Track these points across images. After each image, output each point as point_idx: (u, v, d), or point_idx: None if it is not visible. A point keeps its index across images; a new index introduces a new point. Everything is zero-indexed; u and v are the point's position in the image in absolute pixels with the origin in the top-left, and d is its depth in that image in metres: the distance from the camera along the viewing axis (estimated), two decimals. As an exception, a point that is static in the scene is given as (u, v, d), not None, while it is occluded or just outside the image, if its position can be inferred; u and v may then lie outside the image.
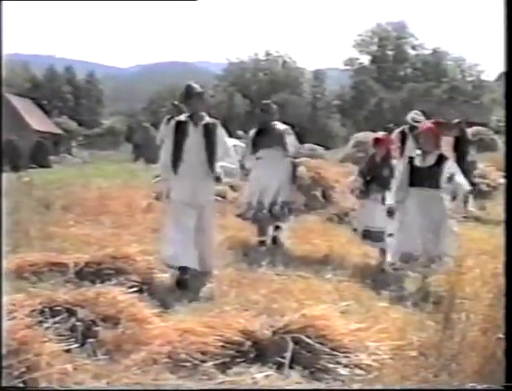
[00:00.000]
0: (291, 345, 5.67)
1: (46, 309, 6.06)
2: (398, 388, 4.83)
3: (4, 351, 4.95)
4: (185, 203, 8.60)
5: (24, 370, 4.87)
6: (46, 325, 5.67)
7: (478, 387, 4.38)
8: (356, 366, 5.61)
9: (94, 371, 5.28)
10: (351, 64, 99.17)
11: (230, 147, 9.20)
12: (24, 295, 6.50)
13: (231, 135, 11.22)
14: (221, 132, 8.92)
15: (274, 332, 5.87)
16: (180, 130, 8.74)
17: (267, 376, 5.37)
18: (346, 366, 5.63)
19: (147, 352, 5.61)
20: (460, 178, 8.76)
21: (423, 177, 8.78)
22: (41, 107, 72.75)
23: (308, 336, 5.78)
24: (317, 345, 5.76)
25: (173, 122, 8.99)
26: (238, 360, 5.64)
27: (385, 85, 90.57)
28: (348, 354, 5.76)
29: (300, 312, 6.16)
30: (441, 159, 8.82)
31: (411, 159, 9.02)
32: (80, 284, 7.27)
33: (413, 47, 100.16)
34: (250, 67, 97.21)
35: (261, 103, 12.14)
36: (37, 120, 66.18)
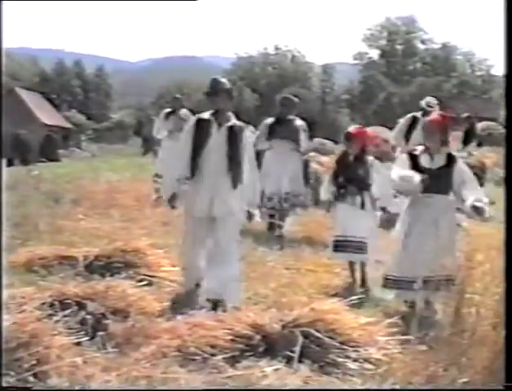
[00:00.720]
0: (300, 339, 5.68)
1: (56, 303, 6.10)
2: (397, 388, 4.84)
3: (14, 344, 4.97)
4: (200, 218, 7.45)
5: (34, 363, 4.89)
6: (55, 318, 5.67)
7: (479, 387, 4.37)
8: (366, 360, 5.62)
9: (104, 364, 5.28)
10: (360, 59, 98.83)
11: (253, 158, 7.75)
12: (34, 288, 6.55)
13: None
14: (246, 138, 7.64)
15: (283, 326, 5.87)
16: (201, 130, 7.46)
17: (276, 370, 5.37)
18: (355, 360, 5.63)
19: (156, 345, 5.62)
20: (475, 190, 7.34)
21: (431, 181, 7.19)
22: (50, 101, 72.70)
23: (317, 330, 5.78)
24: (326, 339, 5.76)
25: (193, 120, 7.75)
26: (247, 354, 5.64)
27: (394, 80, 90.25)
28: (358, 348, 5.76)
29: (309, 306, 6.16)
30: (451, 159, 7.44)
31: (413, 156, 7.51)
32: (89, 278, 7.30)
33: (423, 42, 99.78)
34: (259, 61, 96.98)
35: (281, 97, 12.55)
36: (46, 114, 66.18)
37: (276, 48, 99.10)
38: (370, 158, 8.82)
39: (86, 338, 5.65)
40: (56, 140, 51.08)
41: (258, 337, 5.78)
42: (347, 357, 5.66)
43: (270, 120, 12.01)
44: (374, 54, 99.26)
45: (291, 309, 6.21)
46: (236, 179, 7.39)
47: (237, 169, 7.40)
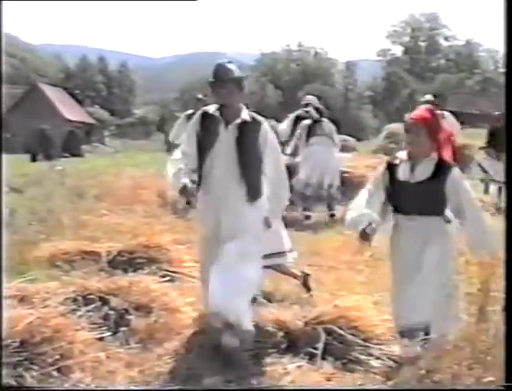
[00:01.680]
0: (323, 336, 5.67)
1: (79, 298, 6.12)
2: (398, 388, 4.82)
3: (38, 338, 5.00)
4: (209, 238, 5.96)
5: (57, 357, 4.91)
6: (79, 313, 5.73)
7: (479, 387, 4.34)
8: (388, 357, 5.60)
9: (127, 359, 5.31)
10: (384, 55, 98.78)
11: (279, 161, 6.17)
12: (58, 283, 6.56)
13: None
14: (265, 135, 5.94)
15: (306, 323, 5.87)
16: (206, 129, 5.94)
17: (299, 367, 5.37)
18: (378, 357, 5.62)
19: (179, 341, 5.63)
20: (474, 211, 5.60)
21: (414, 199, 5.56)
22: (73, 96, 73.05)
23: (340, 327, 5.78)
24: (349, 336, 5.75)
25: (197, 115, 6.08)
26: (270, 350, 5.64)
27: (417, 77, 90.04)
28: (380, 346, 5.75)
29: (332, 303, 6.16)
30: (441, 169, 5.56)
31: (390, 166, 5.74)
32: (112, 273, 7.31)
33: (446, 38, 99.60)
34: (282, 57, 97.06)
35: (315, 106, 13.88)
36: (69, 110, 66.49)
37: (299, 44, 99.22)
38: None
39: (109, 333, 5.68)
40: (79, 136, 51.22)
41: (280, 334, 5.78)
42: (370, 354, 5.66)
43: (306, 122, 13.58)
44: (397, 50, 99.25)
45: (314, 306, 6.21)
46: (251, 191, 5.85)
47: (252, 178, 5.86)
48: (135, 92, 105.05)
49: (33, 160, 35.31)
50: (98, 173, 18.29)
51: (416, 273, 5.48)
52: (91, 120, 70.71)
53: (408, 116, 5.75)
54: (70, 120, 62.14)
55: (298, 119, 14.11)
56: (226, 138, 5.83)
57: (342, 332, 5.75)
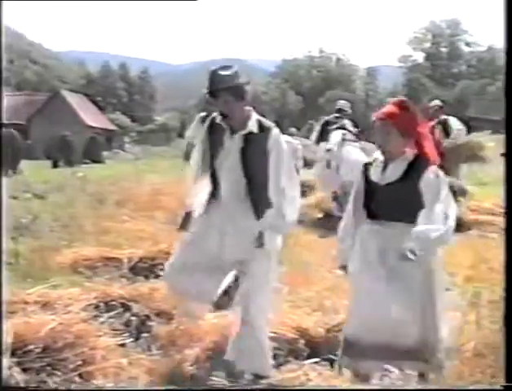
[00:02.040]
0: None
1: (101, 304, 6.15)
2: (398, 388, 4.78)
3: (60, 344, 5.01)
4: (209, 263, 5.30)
5: (79, 363, 4.92)
6: (101, 319, 5.73)
7: (479, 387, 4.31)
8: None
9: (149, 365, 5.31)
10: (405, 61, 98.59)
11: (292, 171, 5.40)
12: (80, 289, 6.59)
13: (283, 132, 11.22)
14: (274, 143, 5.22)
15: (328, 330, 5.85)
16: (213, 137, 5.43)
17: (320, 374, 5.35)
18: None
19: (200, 347, 5.63)
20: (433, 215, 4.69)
21: (382, 203, 4.96)
22: (95, 103, 73.46)
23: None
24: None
25: (207, 122, 5.59)
26: (291, 357, 5.63)
27: (438, 83, 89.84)
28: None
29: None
30: (414, 168, 4.89)
31: (366, 168, 5.17)
32: (134, 279, 7.34)
33: (467, 44, 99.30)
34: (304, 64, 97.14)
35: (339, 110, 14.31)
36: (90, 116, 66.85)
37: (321, 51, 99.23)
38: None
39: (131, 339, 5.69)
40: (100, 142, 51.46)
41: (302, 341, 5.77)
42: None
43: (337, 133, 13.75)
44: (419, 56, 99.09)
45: (335, 313, 6.19)
46: (259, 206, 5.18)
47: (260, 191, 5.20)
48: (156, 98, 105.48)
49: (55, 166, 35.55)
50: (119, 180, 18.36)
51: (374, 285, 4.83)
52: (112, 127, 71.06)
53: (374, 115, 5.17)
54: (91, 127, 62.47)
55: (327, 124, 14.16)
56: (231, 148, 5.25)
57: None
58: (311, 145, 15.25)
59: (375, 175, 5.00)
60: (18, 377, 4.65)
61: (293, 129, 24.72)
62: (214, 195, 5.38)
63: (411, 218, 4.71)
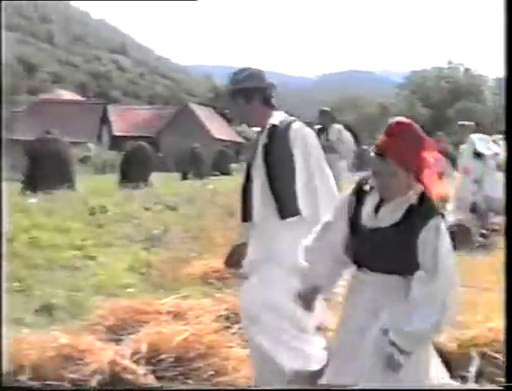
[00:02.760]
0: (477, 360, 5.54)
1: (232, 315, 6.20)
2: (396, 388, 4.62)
3: (193, 354, 5.12)
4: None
5: (211, 373, 5.01)
6: (231, 331, 5.80)
7: (479, 387, 4.13)
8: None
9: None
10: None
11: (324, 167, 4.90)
12: (211, 300, 6.70)
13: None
14: (297, 136, 4.78)
15: (459, 345, 5.75)
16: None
17: (452, 390, 5.26)
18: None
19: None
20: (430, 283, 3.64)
21: (375, 251, 3.78)
22: (223, 116, 74.44)
23: (496, 351, 5.62)
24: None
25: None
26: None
27: None
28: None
29: (485, 325, 6.01)
30: (414, 214, 3.69)
31: (360, 194, 3.92)
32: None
33: None
34: (432, 75, 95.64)
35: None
36: (219, 129, 67.90)
37: (449, 62, 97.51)
38: None
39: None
40: (229, 154, 52.13)
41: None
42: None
43: None
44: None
45: (467, 328, 6.08)
46: (284, 206, 4.68)
47: (283, 189, 4.71)
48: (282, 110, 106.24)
49: (184, 178, 36.23)
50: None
51: (356, 349, 3.81)
52: (240, 139, 71.77)
53: (371, 149, 3.81)
54: (219, 139, 63.37)
55: None
56: (258, 146, 4.83)
57: (496, 356, 5.59)
58: None
59: (365, 212, 3.85)
60: (153, 385, 4.79)
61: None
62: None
63: (401, 269, 3.77)
